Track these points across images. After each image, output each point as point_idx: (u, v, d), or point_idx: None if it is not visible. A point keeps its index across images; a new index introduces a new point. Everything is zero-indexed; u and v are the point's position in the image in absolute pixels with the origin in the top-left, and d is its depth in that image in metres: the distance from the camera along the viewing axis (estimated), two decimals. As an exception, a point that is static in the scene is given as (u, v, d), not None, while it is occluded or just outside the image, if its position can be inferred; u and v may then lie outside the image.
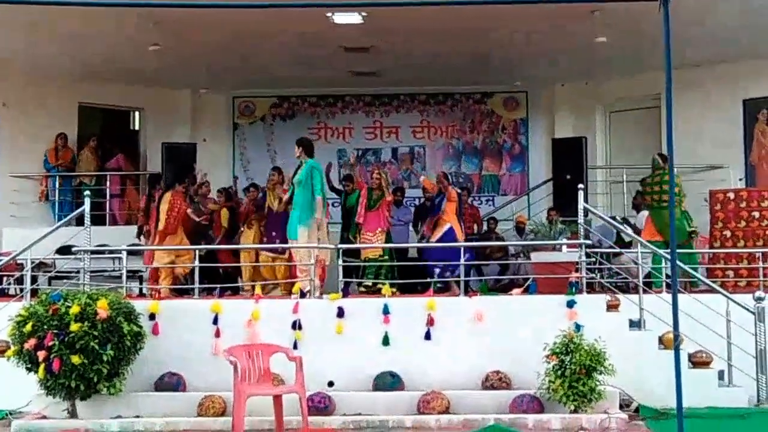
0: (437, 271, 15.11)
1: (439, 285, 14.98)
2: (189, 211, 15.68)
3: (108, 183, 19.66)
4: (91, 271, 14.28)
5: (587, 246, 13.27)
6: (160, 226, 15.38)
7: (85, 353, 11.28)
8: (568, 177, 18.30)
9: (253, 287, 14.49)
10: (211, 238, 16.43)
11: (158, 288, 15.00)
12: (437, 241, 15.55)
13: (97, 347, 11.30)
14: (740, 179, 18.36)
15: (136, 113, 21.97)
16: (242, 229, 16.31)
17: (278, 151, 21.42)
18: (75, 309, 11.34)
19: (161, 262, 15.28)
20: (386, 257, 15.90)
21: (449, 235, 15.42)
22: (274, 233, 15.51)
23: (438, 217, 15.73)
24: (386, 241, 16.14)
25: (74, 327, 11.24)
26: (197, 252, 14.04)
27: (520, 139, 21.99)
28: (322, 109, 22.12)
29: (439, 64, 19.28)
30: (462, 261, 13.73)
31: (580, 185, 14.03)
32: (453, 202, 15.72)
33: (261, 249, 15.56)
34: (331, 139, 22.03)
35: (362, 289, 15.48)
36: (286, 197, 14.65)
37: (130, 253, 15.19)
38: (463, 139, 22.13)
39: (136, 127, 22.01)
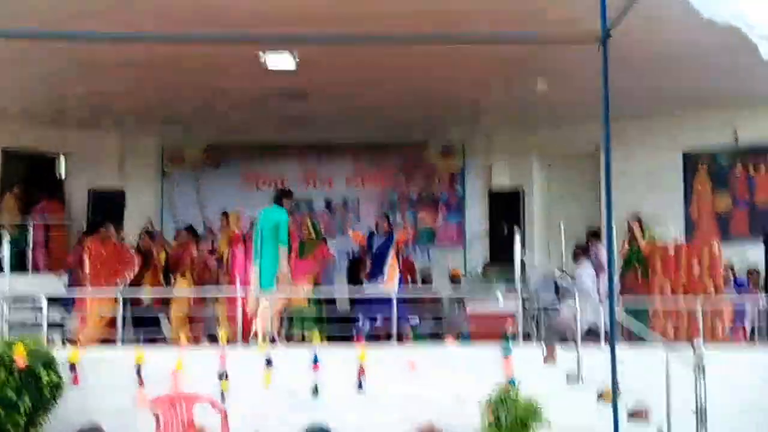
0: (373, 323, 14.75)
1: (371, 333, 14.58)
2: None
3: (32, 231, 19.01)
4: (12, 322, 13.70)
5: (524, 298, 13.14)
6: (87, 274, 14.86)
7: (2, 403, 10.91)
8: (506, 231, 18.23)
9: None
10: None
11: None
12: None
13: (14, 397, 10.92)
14: (678, 236, 18.30)
15: (62, 158, 21.40)
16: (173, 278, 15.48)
17: (209, 198, 21.12)
18: (-9, 357, 10.92)
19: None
20: (313, 306, 15.51)
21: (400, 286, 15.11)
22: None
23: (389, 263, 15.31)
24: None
25: (-9, 376, 10.83)
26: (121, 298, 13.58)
27: (457, 190, 21.85)
28: (253, 157, 21.83)
29: (374, 114, 19.09)
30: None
31: (517, 238, 13.93)
32: (401, 243, 15.52)
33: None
34: (263, 187, 21.66)
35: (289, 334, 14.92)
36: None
37: (51, 301, 14.64)
38: (398, 190, 21.95)
39: (62, 176, 21.44)
